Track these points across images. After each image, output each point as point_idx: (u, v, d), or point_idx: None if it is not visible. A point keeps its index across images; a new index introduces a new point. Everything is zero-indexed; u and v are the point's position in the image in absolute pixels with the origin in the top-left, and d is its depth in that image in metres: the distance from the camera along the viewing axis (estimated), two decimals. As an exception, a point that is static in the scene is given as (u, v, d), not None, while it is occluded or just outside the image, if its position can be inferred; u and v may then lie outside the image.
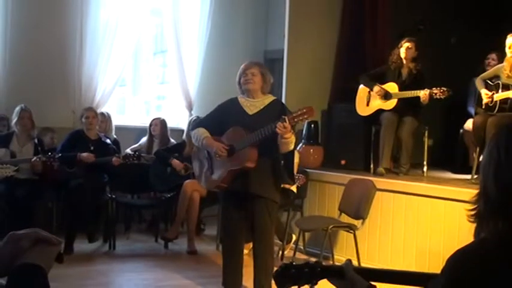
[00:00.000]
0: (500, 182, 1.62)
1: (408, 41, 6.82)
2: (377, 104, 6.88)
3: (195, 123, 5.42)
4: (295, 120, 4.63)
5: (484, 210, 1.66)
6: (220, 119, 5.01)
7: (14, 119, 6.74)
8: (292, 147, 4.85)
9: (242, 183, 4.84)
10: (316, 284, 2.04)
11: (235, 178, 4.86)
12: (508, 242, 1.61)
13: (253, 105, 4.97)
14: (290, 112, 4.78)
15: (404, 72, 6.87)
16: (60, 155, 6.69)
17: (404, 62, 6.84)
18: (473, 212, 1.70)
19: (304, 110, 4.63)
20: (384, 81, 6.88)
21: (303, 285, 2.03)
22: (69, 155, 6.73)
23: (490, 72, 6.47)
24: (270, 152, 4.79)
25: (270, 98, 5.05)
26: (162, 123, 7.88)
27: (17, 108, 6.77)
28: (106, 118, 7.92)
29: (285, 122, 4.52)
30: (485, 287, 1.57)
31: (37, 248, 1.49)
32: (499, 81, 6.17)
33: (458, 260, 1.64)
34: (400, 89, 6.73)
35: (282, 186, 5.33)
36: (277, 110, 4.91)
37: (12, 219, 6.06)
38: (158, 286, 5.55)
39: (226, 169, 4.88)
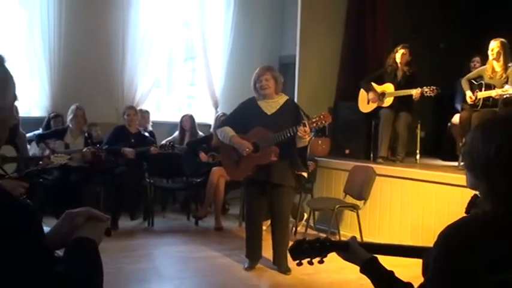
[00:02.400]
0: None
1: (403, 48, 6.79)
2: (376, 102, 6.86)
3: (220, 123, 5.43)
4: (314, 125, 4.68)
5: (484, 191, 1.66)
6: (242, 118, 5.03)
7: (69, 116, 6.78)
8: (307, 143, 4.90)
9: (265, 174, 4.89)
10: (325, 256, 2.04)
11: (259, 169, 4.88)
12: (493, 220, 1.60)
13: (270, 106, 4.98)
14: (305, 114, 4.82)
15: (399, 74, 6.83)
16: (106, 146, 6.74)
17: (399, 65, 6.81)
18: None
19: (322, 116, 4.70)
20: (381, 82, 6.85)
21: (314, 257, 2.02)
22: (114, 148, 6.76)
23: (474, 73, 6.42)
24: (288, 147, 4.83)
25: (283, 98, 5.05)
26: (191, 118, 7.89)
27: (73, 107, 6.81)
28: (147, 116, 7.98)
29: (306, 126, 4.57)
30: (471, 258, 1.56)
31: (89, 224, 1.50)
32: (482, 81, 6.12)
33: (449, 234, 1.63)
34: (396, 89, 6.72)
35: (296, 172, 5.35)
36: (292, 110, 4.97)
37: (66, 200, 6.11)
38: (190, 257, 5.57)
39: (252, 163, 4.91)
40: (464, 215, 1.74)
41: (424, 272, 1.73)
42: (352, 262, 1.97)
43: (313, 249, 2.01)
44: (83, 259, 1.39)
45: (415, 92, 6.41)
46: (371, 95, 6.85)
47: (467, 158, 1.70)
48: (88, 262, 1.39)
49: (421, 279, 1.71)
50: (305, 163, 5.10)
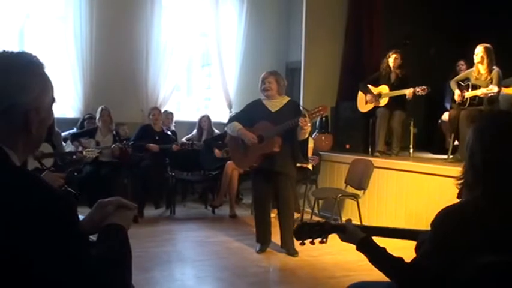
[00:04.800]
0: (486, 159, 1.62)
1: (395, 53, 6.78)
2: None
3: (229, 119, 5.45)
4: (313, 116, 4.69)
5: (473, 180, 1.66)
6: (248, 115, 5.05)
7: (97, 117, 6.83)
8: (307, 135, 4.89)
9: (269, 163, 4.88)
10: (326, 237, 2.06)
11: (263, 159, 4.89)
12: (482, 206, 1.60)
13: (274, 105, 4.99)
14: (305, 109, 4.82)
15: (393, 76, 6.81)
16: (132, 143, 6.77)
17: (392, 68, 6.79)
18: (461, 181, 1.72)
19: (320, 108, 4.70)
20: (377, 84, 6.83)
21: (315, 238, 2.05)
22: (140, 144, 6.78)
23: (462, 75, 6.37)
24: (290, 139, 4.82)
25: (286, 99, 5.06)
26: (209, 119, 7.89)
27: (99, 109, 6.84)
28: (170, 116, 8.01)
29: (306, 117, 4.56)
30: (462, 238, 1.56)
31: (119, 212, 1.50)
32: (469, 83, 6.08)
33: (444, 218, 1.64)
34: (390, 90, 6.69)
35: (299, 165, 5.37)
36: (293, 108, 4.99)
37: (97, 191, 6.13)
38: (207, 241, 5.59)
39: (257, 153, 4.91)
40: (457, 200, 1.75)
41: (418, 249, 1.74)
42: (349, 242, 1.99)
43: (313, 231, 2.04)
44: (114, 243, 1.40)
45: (408, 92, 6.41)
46: (368, 96, 6.83)
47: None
48: (119, 246, 1.40)
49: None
50: (305, 155, 5.12)
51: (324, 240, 2.05)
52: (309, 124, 4.67)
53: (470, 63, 6.26)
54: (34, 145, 1.37)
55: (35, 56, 1.33)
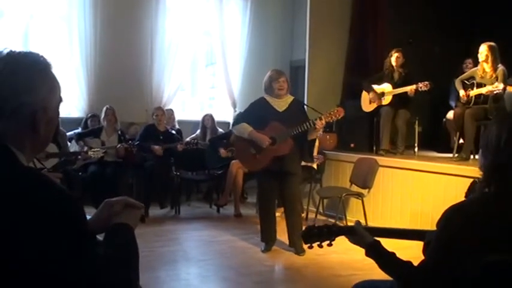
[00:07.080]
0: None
1: (396, 52, 6.77)
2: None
3: (235, 120, 5.45)
4: (329, 119, 4.70)
5: (491, 177, 1.64)
6: (255, 115, 5.00)
7: (102, 116, 6.85)
8: (315, 136, 4.92)
9: (278, 164, 4.88)
10: (334, 240, 2.05)
11: (274, 160, 4.88)
12: (491, 203, 1.59)
13: (280, 104, 4.99)
14: (312, 109, 4.83)
15: (396, 75, 6.80)
16: (138, 143, 6.78)
17: (395, 67, 6.78)
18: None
19: (336, 111, 4.71)
20: (381, 83, 6.82)
21: (323, 241, 2.04)
22: (144, 145, 6.78)
23: (466, 74, 6.37)
24: (300, 139, 4.85)
25: (290, 98, 5.07)
26: (212, 117, 7.89)
27: (104, 108, 6.87)
28: (171, 114, 8.01)
29: (322, 120, 4.59)
30: (468, 236, 1.56)
31: (126, 211, 1.50)
32: (474, 81, 6.07)
33: (451, 216, 1.63)
34: (393, 88, 6.68)
35: (303, 164, 5.39)
36: (299, 107, 5.00)
37: (102, 191, 6.15)
38: (212, 241, 5.59)
39: (270, 155, 4.89)
40: (464, 199, 1.74)
41: (425, 249, 1.73)
42: (357, 245, 1.98)
43: (322, 234, 2.03)
44: (122, 242, 1.40)
45: (409, 89, 6.40)
46: (371, 95, 6.82)
47: (483, 141, 1.71)
48: (126, 245, 1.40)
49: (419, 260, 1.71)
50: (312, 155, 5.14)
51: (332, 242, 2.05)
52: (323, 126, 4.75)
53: (477, 62, 6.24)
54: (41, 145, 1.37)
55: (42, 56, 1.34)
